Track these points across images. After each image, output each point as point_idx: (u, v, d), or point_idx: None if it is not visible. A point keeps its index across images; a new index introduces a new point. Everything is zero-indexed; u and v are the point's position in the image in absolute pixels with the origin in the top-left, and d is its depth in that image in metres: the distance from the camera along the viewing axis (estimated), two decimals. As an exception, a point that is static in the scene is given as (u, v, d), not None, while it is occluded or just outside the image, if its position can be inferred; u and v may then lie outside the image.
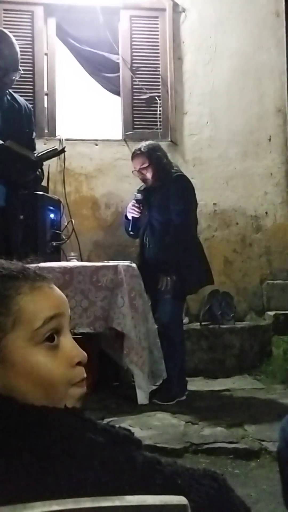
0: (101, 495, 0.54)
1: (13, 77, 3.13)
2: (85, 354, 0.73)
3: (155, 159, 3.42)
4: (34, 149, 3.28)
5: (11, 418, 0.60)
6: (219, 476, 0.71)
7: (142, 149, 3.45)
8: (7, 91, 3.17)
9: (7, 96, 3.18)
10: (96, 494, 0.54)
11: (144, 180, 3.50)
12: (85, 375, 0.72)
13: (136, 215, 3.52)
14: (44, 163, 3.37)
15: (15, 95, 3.28)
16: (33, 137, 3.33)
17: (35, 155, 3.16)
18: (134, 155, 3.50)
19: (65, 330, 0.73)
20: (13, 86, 3.30)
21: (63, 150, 3.50)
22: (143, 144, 3.50)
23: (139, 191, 3.55)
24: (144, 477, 0.60)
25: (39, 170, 3.30)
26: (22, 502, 0.51)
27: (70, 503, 0.46)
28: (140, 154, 3.45)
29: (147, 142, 3.56)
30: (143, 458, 0.63)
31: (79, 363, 0.72)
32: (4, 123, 3.08)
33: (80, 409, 0.67)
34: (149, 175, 3.43)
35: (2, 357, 0.67)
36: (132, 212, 3.54)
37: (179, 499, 0.53)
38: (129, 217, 3.57)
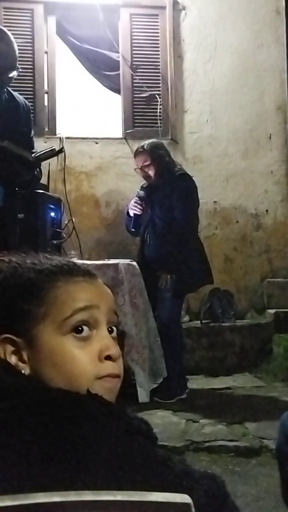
0: (106, 482, 0.55)
1: (11, 75, 3.13)
2: (119, 350, 0.73)
3: (157, 157, 3.43)
4: (33, 148, 3.28)
5: (32, 396, 0.62)
6: (218, 478, 0.71)
7: (144, 147, 3.47)
8: (5, 89, 3.17)
9: (5, 94, 3.18)
10: (101, 480, 0.55)
11: (146, 178, 3.51)
12: (115, 371, 0.72)
13: (138, 212, 3.53)
14: (44, 161, 3.38)
15: (14, 93, 3.27)
16: (32, 135, 3.33)
17: (33, 155, 3.16)
18: (137, 153, 3.52)
19: (101, 324, 0.73)
20: (13, 84, 3.30)
21: (60, 151, 3.51)
22: (146, 142, 3.52)
23: (142, 188, 3.56)
24: (154, 472, 0.60)
25: (37, 169, 3.30)
26: (32, 477, 0.52)
27: (72, 495, 0.46)
28: (143, 152, 3.46)
29: (150, 140, 3.57)
30: (155, 453, 0.63)
31: (109, 358, 0.72)
32: (2, 121, 3.08)
33: (100, 396, 0.67)
34: (151, 173, 3.44)
35: (33, 344, 0.69)
36: (134, 209, 3.55)
37: (183, 497, 0.53)
38: (131, 214, 3.58)
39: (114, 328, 0.76)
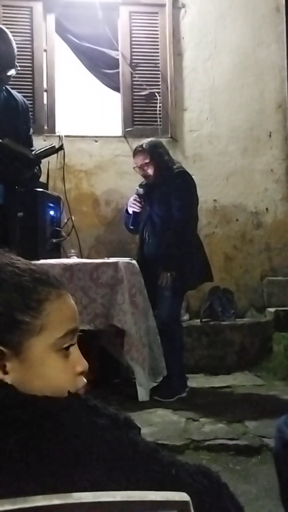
0: (105, 475, 0.56)
1: (10, 74, 3.12)
2: (87, 364, 0.77)
3: (156, 155, 3.43)
4: (31, 146, 3.27)
5: (21, 406, 0.63)
6: (213, 473, 0.72)
7: (143, 146, 3.47)
8: (3, 87, 3.16)
9: (4, 92, 3.18)
10: (100, 473, 0.57)
11: (145, 176, 3.51)
12: (85, 383, 0.76)
13: (137, 209, 3.53)
14: (44, 160, 3.37)
15: (12, 91, 3.27)
16: (30, 133, 3.32)
17: (33, 152, 3.15)
18: (136, 152, 3.52)
19: (75, 340, 0.77)
20: (12, 82, 3.29)
21: (60, 148, 3.50)
22: (145, 141, 3.53)
23: (141, 185, 3.56)
24: (144, 462, 0.62)
25: (37, 167, 3.30)
26: (33, 479, 0.53)
27: (71, 498, 0.45)
28: (142, 151, 3.46)
29: (149, 139, 3.58)
30: (144, 443, 0.66)
31: (82, 373, 0.77)
32: (1, 119, 3.07)
33: (85, 396, 0.71)
34: (150, 171, 3.45)
35: (24, 357, 0.71)
36: (133, 207, 3.55)
37: (181, 496, 0.52)
38: (130, 211, 3.58)
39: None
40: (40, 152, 3.18)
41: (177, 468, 0.65)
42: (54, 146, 3.33)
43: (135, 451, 0.63)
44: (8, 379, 0.69)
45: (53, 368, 0.72)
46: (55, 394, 0.69)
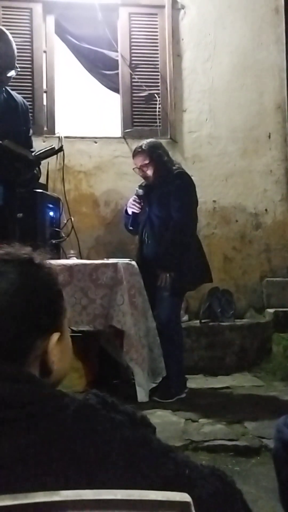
0: (123, 471, 0.58)
1: (10, 75, 3.13)
2: None
3: (156, 156, 3.43)
4: (31, 147, 3.27)
5: (42, 401, 0.65)
6: (227, 476, 0.72)
7: (143, 147, 3.47)
8: (3, 88, 3.17)
9: (4, 93, 3.18)
10: (119, 469, 0.58)
11: (145, 177, 3.51)
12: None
13: (137, 210, 3.53)
14: (43, 161, 3.37)
15: (12, 92, 3.27)
16: (30, 134, 3.33)
17: (33, 153, 3.16)
18: (135, 153, 3.52)
19: None
20: (12, 83, 3.30)
21: (60, 149, 3.51)
22: (144, 142, 3.52)
23: (140, 186, 3.56)
24: (158, 461, 0.63)
25: (37, 168, 3.30)
26: (55, 473, 0.55)
27: (72, 495, 0.45)
28: (141, 152, 3.46)
29: (148, 140, 3.57)
30: (158, 442, 0.67)
31: None
32: (0, 120, 3.08)
33: (103, 393, 0.73)
34: (150, 172, 3.45)
35: (61, 339, 0.78)
36: (132, 207, 3.55)
37: (182, 496, 0.52)
38: (130, 212, 3.58)
39: None
40: (40, 153, 3.18)
41: (190, 469, 0.65)
42: (54, 148, 3.33)
43: (150, 450, 0.63)
44: (54, 365, 0.75)
45: (70, 349, 0.80)
46: (66, 374, 0.75)
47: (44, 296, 0.76)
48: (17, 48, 3.22)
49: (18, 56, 3.23)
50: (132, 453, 0.61)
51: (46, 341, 0.74)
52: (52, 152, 3.30)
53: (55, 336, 0.75)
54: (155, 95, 4.59)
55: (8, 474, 0.54)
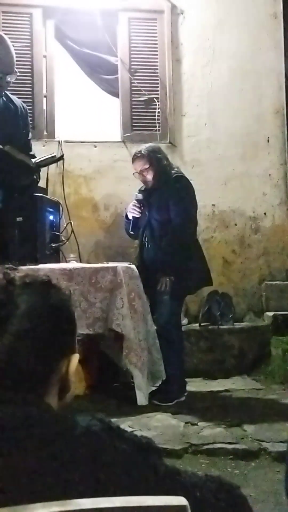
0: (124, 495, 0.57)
1: (9, 79, 3.14)
2: None
3: (155, 161, 3.44)
4: (30, 150, 3.29)
5: (47, 425, 0.65)
6: (235, 489, 0.72)
7: (142, 152, 3.48)
8: (3, 93, 3.19)
9: (3, 97, 3.20)
10: (119, 495, 0.58)
11: (145, 182, 3.52)
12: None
13: (137, 215, 3.54)
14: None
15: (12, 96, 3.29)
16: (29, 138, 3.34)
17: (34, 160, 3.18)
18: (135, 158, 3.53)
19: None
20: (11, 88, 3.32)
21: (61, 158, 3.52)
22: (144, 147, 3.53)
23: (140, 191, 3.57)
24: (165, 485, 0.62)
25: (36, 173, 3.32)
26: (58, 492, 0.55)
27: (71, 505, 0.46)
28: (141, 157, 3.47)
29: (148, 145, 3.59)
30: (165, 467, 0.66)
31: None
32: (0, 124, 3.10)
33: (107, 418, 0.73)
34: (149, 177, 3.46)
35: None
36: (132, 212, 3.56)
37: (179, 500, 0.53)
38: (130, 217, 3.59)
39: None
40: (41, 161, 3.21)
41: (201, 490, 0.65)
42: (54, 156, 3.35)
43: (156, 475, 0.63)
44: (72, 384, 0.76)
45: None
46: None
47: (64, 317, 0.76)
48: (17, 53, 3.24)
49: (18, 60, 3.25)
50: (134, 481, 0.61)
51: (67, 362, 0.74)
52: (52, 160, 3.33)
53: (76, 358, 0.75)
54: (155, 99, 4.61)
55: (12, 490, 0.55)
